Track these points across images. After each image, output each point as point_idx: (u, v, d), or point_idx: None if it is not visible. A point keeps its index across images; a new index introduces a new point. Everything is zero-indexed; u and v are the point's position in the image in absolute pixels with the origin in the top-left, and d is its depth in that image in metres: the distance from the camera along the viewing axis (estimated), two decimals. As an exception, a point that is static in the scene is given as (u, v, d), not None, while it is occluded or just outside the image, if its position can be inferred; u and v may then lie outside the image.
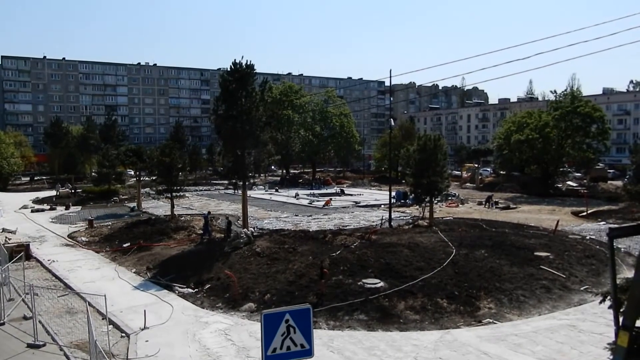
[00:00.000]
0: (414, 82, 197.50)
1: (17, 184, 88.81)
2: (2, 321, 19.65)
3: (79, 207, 57.56)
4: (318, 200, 56.59)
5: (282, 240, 27.24)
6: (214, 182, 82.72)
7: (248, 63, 31.00)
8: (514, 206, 51.33)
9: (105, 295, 18.51)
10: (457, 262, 22.74)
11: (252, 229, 33.97)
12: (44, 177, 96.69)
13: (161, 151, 43.62)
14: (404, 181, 50.68)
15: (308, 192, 67.87)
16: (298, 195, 61.64)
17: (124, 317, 19.60)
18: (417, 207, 42.82)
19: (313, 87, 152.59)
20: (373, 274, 21.43)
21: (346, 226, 37.96)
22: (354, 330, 17.55)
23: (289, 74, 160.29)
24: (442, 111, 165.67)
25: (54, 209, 56.96)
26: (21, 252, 31.06)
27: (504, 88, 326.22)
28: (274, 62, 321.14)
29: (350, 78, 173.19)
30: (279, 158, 37.49)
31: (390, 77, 34.54)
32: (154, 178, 47.56)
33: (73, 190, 70.01)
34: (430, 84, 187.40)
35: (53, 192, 71.28)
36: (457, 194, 59.53)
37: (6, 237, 34.47)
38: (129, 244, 33.07)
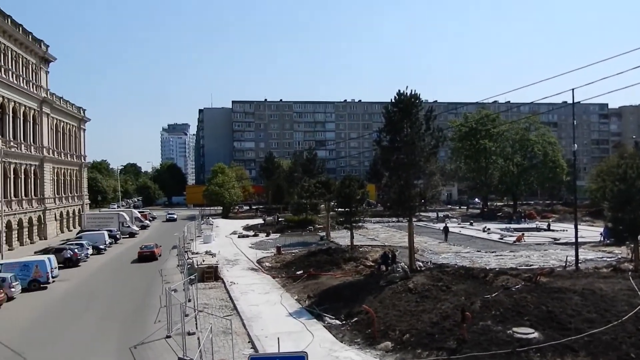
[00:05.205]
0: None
1: (236, 212, 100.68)
2: (169, 334, 22.07)
3: (278, 235, 62.51)
4: (510, 236, 52.12)
5: (439, 277, 25.54)
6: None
7: (413, 92, 30.33)
8: None
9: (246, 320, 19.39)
10: (643, 317, 18.48)
11: (419, 263, 32.59)
12: (260, 207, 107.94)
13: (341, 183, 45.12)
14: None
15: (504, 226, 63.02)
16: (488, 229, 57.64)
17: (265, 343, 20.33)
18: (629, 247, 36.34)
19: (522, 114, 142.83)
20: (529, 323, 18.63)
21: (530, 266, 34.07)
22: (487, 386, 15.37)
23: (495, 102, 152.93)
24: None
25: (257, 235, 62.96)
26: (210, 273, 35.12)
27: None
28: (479, 92, 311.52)
29: (566, 102, 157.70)
30: (442, 189, 35.41)
31: (573, 97, 30.23)
32: (336, 209, 49.25)
33: (275, 220, 76.42)
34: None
35: (262, 220, 79.22)
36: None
37: (203, 259, 38.96)
38: (301, 271, 34.63)
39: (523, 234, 50.89)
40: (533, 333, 17.79)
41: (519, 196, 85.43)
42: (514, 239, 49.33)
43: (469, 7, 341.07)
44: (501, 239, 51.40)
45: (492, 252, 42.23)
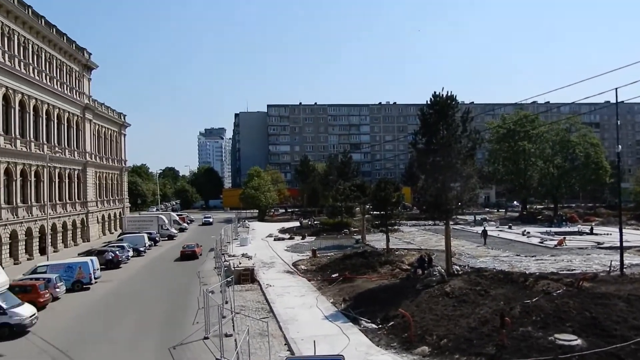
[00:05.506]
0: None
1: (272, 215, 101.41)
2: (207, 335, 22.37)
3: (313, 238, 62.68)
4: (551, 240, 50.82)
5: (477, 281, 25.05)
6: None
7: (448, 94, 29.99)
8: None
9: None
10: (694, 325, 17.68)
11: (457, 267, 32.09)
12: (295, 210, 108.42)
13: (377, 186, 44.89)
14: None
15: (544, 230, 61.48)
16: (528, 233, 56.33)
17: (301, 346, 20.37)
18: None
19: (562, 115, 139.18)
20: (571, 329, 18.08)
21: (572, 270, 33.17)
22: (528, 393, 14.99)
23: (534, 102, 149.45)
24: None
25: (292, 238, 63.25)
26: (247, 275, 35.46)
27: None
28: (517, 92, 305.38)
29: (608, 102, 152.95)
30: (480, 192, 34.65)
31: (617, 96, 29.13)
32: (371, 212, 49.04)
33: (310, 222, 76.64)
34: None
35: (298, 223, 79.54)
36: None
37: (239, 262, 39.38)
38: (337, 274, 34.59)
39: (564, 237, 49.60)
40: (576, 340, 17.26)
41: (560, 199, 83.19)
42: (555, 242, 48.12)
43: (505, 7, 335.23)
44: (541, 242, 50.16)
45: (532, 256, 41.31)
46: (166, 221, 71.60)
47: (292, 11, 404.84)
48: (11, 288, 26.67)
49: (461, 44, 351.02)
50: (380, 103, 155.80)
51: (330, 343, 20.34)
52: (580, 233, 58.34)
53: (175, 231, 73.35)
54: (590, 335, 17.58)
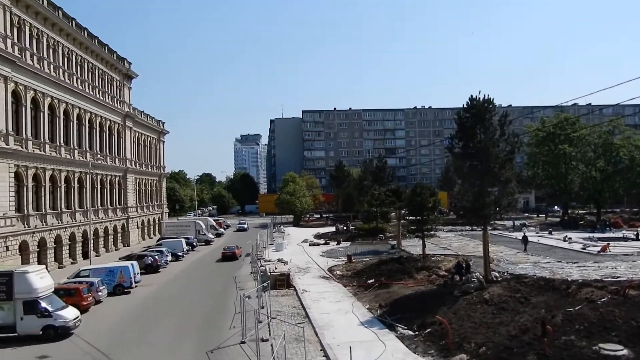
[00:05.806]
0: None
1: (307, 220, 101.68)
2: (243, 340, 22.57)
3: (348, 243, 62.51)
4: (594, 246, 49.24)
5: (516, 288, 24.50)
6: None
7: (486, 97, 29.48)
8: None
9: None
10: None
11: (495, 273, 31.42)
12: (330, 215, 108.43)
13: (412, 191, 44.46)
14: None
15: (587, 235, 59.58)
16: (570, 239, 54.72)
17: (337, 352, 20.30)
18: None
19: (604, 117, 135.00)
20: (617, 339, 17.47)
21: (617, 278, 32.01)
22: (572, 404, 14.53)
23: (575, 104, 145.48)
24: None
25: (328, 243, 63.26)
26: (283, 281, 35.62)
27: None
28: (557, 95, 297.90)
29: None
30: (519, 197, 33.70)
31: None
32: (407, 217, 48.55)
33: (346, 228, 76.54)
34: None
35: (333, 229, 79.57)
36: None
37: (275, 267, 39.61)
38: (372, 280, 34.39)
39: (608, 243, 47.86)
40: (622, 350, 16.66)
41: (603, 203, 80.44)
42: (599, 249, 46.53)
43: (545, 7, 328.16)
44: (584, 249, 48.62)
45: (574, 262, 40.06)
46: (203, 226, 72.69)
47: (326, 17, 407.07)
48: (56, 291, 27.44)
49: (499, 46, 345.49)
50: (415, 107, 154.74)
51: (366, 349, 20.23)
52: (625, 239, 56.29)
53: (212, 236, 74.40)
54: (637, 346, 16.99)
